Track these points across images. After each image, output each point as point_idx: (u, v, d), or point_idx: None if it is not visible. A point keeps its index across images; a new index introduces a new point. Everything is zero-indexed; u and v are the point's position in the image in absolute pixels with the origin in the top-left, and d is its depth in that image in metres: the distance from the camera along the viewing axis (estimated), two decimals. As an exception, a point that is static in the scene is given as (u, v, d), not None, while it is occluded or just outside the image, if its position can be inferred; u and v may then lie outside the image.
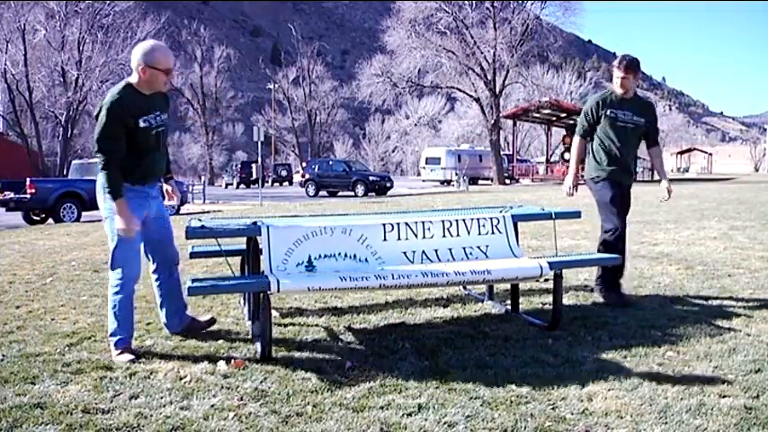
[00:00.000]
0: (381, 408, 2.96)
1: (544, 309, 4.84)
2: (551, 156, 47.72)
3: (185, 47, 68.02)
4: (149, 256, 4.11)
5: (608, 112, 5.01)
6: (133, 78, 3.80)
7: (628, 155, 5.14)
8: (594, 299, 5.16)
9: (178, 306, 4.22)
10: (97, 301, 5.35)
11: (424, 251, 4.16)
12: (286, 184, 51.75)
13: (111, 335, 3.83)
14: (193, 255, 5.10)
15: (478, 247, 4.27)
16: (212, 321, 4.38)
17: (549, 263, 4.09)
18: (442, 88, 45.57)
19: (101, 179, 3.73)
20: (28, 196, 16.29)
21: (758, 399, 3.01)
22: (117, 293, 3.84)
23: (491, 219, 4.38)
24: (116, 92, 3.72)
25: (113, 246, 3.80)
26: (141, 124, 3.72)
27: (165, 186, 4.29)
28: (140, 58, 3.74)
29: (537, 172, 45.42)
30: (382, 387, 3.22)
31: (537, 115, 43.56)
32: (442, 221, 4.28)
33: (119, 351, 3.75)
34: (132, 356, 3.71)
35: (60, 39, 40.81)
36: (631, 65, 4.97)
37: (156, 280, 4.17)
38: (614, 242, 5.06)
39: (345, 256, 4.01)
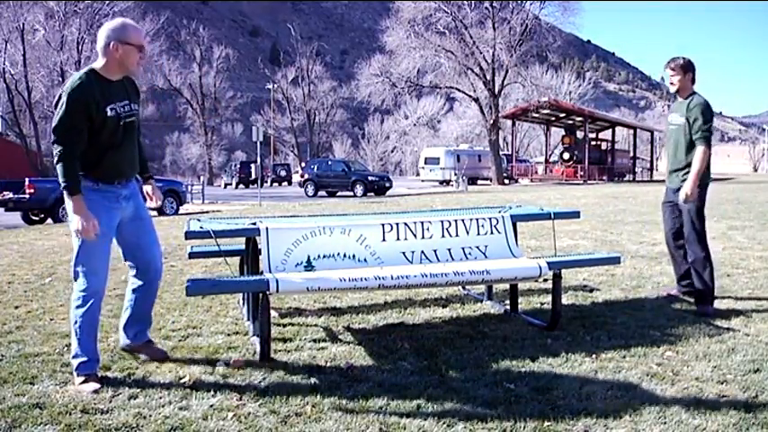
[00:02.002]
0: (380, 408, 2.96)
1: (543, 309, 4.84)
2: (550, 156, 47.73)
3: (184, 47, 67.94)
4: (128, 261, 3.69)
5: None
6: (98, 63, 3.44)
7: None
8: (594, 299, 5.16)
9: (142, 319, 3.73)
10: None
11: (423, 251, 4.16)
12: (285, 184, 51.69)
13: (72, 357, 3.36)
14: (192, 255, 5.10)
15: (477, 248, 4.27)
16: (165, 357, 3.72)
17: (548, 263, 4.10)
18: (441, 88, 45.53)
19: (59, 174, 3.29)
20: (27, 196, 16.27)
21: (757, 398, 3.02)
22: (78, 307, 3.35)
23: (490, 219, 4.38)
24: (77, 77, 3.33)
25: (75, 252, 3.37)
26: (108, 113, 3.33)
27: (146, 187, 3.83)
28: (111, 35, 3.36)
29: (536, 172, 45.43)
30: (381, 387, 3.22)
31: (536, 115, 43.58)
32: (441, 222, 4.28)
33: (81, 379, 3.27)
34: (97, 386, 3.21)
35: (59, 39, 40.84)
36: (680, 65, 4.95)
37: (132, 284, 3.71)
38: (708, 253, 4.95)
39: (344, 256, 4.01)
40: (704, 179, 4.90)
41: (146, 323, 3.78)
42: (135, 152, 3.61)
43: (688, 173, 4.84)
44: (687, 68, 4.93)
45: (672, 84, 4.96)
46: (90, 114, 3.30)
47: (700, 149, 4.80)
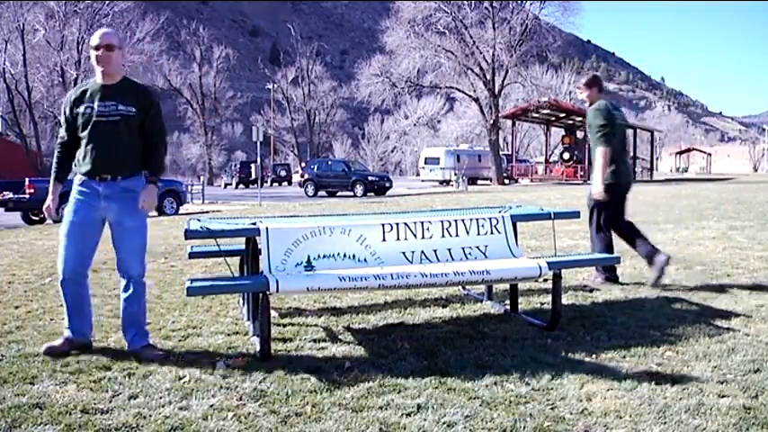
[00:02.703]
0: (380, 408, 2.96)
1: (543, 309, 4.84)
2: (550, 156, 47.71)
3: (184, 47, 67.96)
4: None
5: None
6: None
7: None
8: (594, 299, 5.16)
9: (132, 323, 3.87)
10: (96, 301, 5.34)
11: (423, 251, 4.16)
12: (285, 184, 51.68)
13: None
14: (192, 255, 5.10)
15: (477, 248, 4.27)
16: (164, 360, 3.69)
17: (548, 263, 4.10)
18: (441, 88, 45.53)
19: None
20: (27, 196, 16.27)
21: (757, 399, 3.01)
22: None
23: (490, 219, 4.38)
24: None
25: None
26: (81, 111, 3.73)
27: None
28: None
29: (536, 172, 45.40)
30: (381, 387, 3.22)
31: (536, 115, 43.55)
32: (441, 222, 4.28)
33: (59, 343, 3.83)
34: (61, 346, 3.76)
35: (59, 39, 40.79)
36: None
37: (122, 287, 3.94)
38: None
39: (344, 256, 4.01)
40: (613, 179, 5.37)
41: (137, 327, 3.87)
42: (119, 153, 3.74)
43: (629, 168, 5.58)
44: (591, 84, 5.60)
45: (584, 100, 5.63)
46: (64, 113, 3.82)
47: (598, 151, 5.31)
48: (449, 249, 4.21)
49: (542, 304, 5.01)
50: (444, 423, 2.79)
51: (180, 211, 18.43)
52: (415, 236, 4.19)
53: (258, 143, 24.84)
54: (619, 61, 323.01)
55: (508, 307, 4.82)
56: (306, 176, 32.66)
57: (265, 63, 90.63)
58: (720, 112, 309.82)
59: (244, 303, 4.77)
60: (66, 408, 2.97)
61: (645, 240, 5.54)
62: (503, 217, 4.42)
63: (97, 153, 3.71)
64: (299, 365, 3.57)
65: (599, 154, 5.31)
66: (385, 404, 3.00)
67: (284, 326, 4.49)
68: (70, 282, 3.87)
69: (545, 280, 4.75)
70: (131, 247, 3.85)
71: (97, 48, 3.73)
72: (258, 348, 3.73)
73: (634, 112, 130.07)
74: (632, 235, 5.60)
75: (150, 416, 2.88)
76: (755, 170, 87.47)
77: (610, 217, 5.55)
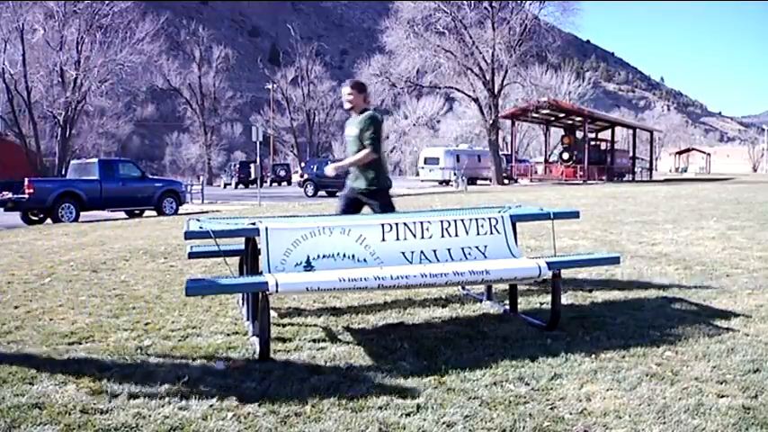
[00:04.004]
0: (380, 408, 2.96)
1: (542, 309, 4.84)
2: (550, 156, 47.72)
3: (184, 47, 67.92)
4: None
5: None
6: None
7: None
8: (593, 299, 5.16)
9: None
10: (95, 301, 5.35)
11: (422, 251, 4.16)
12: (284, 184, 51.67)
13: None
14: (192, 255, 5.10)
15: (477, 248, 4.27)
16: None
17: (547, 263, 4.09)
18: (440, 88, 45.53)
19: None
20: (26, 196, 16.27)
21: (756, 399, 3.01)
22: None
23: (490, 219, 4.38)
24: None
25: None
26: None
27: None
28: None
29: (535, 172, 45.41)
30: (381, 387, 3.22)
31: (535, 115, 43.55)
32: (441, 222, 4.28)
33: None
34: None
35: (59, 39, 40.74)
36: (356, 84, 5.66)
37: None
38: None
39: (344, 256, 4.01)
40: (383, 183, 5.46)
41: None
42: None
43: (366, 175, 5.38)
44: (361, 89, 5.62)
45: (348, 102, 5.55)
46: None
47: (365, 151, 5.36)
48: (448, 249, 4.21)
49: (542, 304, 5.01)
50: (444, 423, 2.79)
51: (179, 211, 18.44)
52: (414, 236, 4.19)
53: (258, 143, 24.83)
54: (618, 61, 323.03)
55: (507, 307, 4.82)
56: (305, 176, 32.66)
57: (265, 63, 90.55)
58: (720, 113, 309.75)
59: (243, 303, 4.77)
60: (65, 408, 2.97)
61: None
62: (502, 217, 4.42)
63: None
64: (299, 365, 3.58)
65: (365, 152, 5.33)
66: (384, 404, 3.00)
67: (284, 326, 4.49)
68: None
69: (544, 280, 4.75)
70: None
71: None
72: (257, 348, 3.73)
73: (633, 112, 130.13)
74: None
75: (150, 416, 2.88)
76: (755, 170, 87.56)
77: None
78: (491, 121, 40.13)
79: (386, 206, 5.47)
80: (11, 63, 39.28)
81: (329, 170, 5.67)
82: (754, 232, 9.27)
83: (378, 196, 5.44)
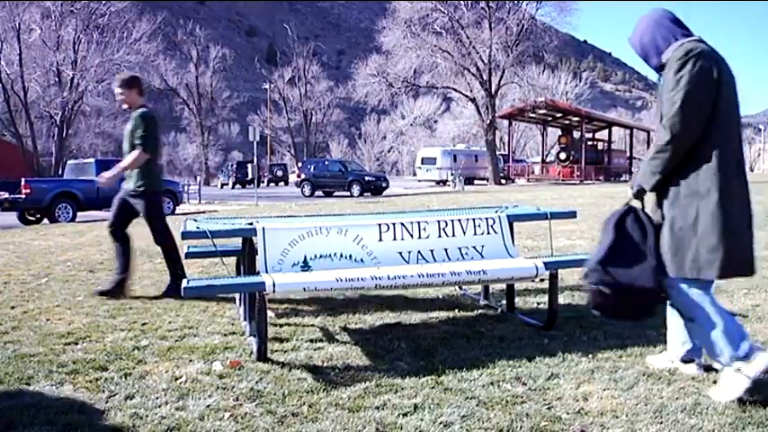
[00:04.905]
0: (377, 408, 2.96)
1: (540, 309, 4.85)
2: (547, 156, 47.80)
3: (181, 47, 67.76)
4: None
5: None
6: None
7: None
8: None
9: None
10: (92, 301, 5.34)
11: (419, 251, 4.16)
12: (282, 184, 51.70)
13: None
14: (189, 255, 5.10)
15: (474, 248, 4.28)
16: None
17: (544, 263, 4.10)
18: (437, 88, 45.57)
19: None
20: (23, 196, 16.25)
21: (752, 397, 3.02)
22: None
23: (487, 219, 4.38)
24: None
25: None
26: None
27: None
28: None
29: (533, 172, 45.50)
30: (378, 387, 3.22)
31: (533, 115, 43.64)
32: (438, 222, 4.28)
33: None
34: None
35: (56, 38, 40.70)
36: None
37: None
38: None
39: (341, 256, 4.01)
40: (154, 185, 5.42)
41: None
42: None
43: (135, 175, 5.35)
44: (131, 85, 5.43)
45: (121, 101, 5.46)
46: None
47: (135, 152, 5.31)
48: (445, 249, 4.21)
49: (539, 304, 5.01)
50: (441, 423, 2.79)
51: (176, 212, 18.42)
52: (411, 236, 4.19)
53: (255, 143, 24.83)
54: (615, 61, 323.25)
55: (505, 307, 4.83)
56: (302, 176, 32.66)
57: (262, 63, 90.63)
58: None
59: (240, 303, 4.77)
60: (62, 408, 2.96)
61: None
62: (499, 217, 4.42)
63: None
64: (296, 365, 3.57)
65: (135, 154, 5.30)
66: (382, 404, 3.00)
67: (281, 326, 4.49)
68: None
69: (541, 280, 4.75)
70: None
71: None
72: (255, 348, 3.73)
73: (630, 112, 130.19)
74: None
75: (147, 416, 2.88)
76: (752, 170, 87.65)
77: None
78: (488, 121, 40.17)
79: (151, 210, 5.36)
80: (7, 63, 39.23)
81: (102, 180, 5.49)
82: (750, 232, 9.27)
83: (143, 197, 5.35)
